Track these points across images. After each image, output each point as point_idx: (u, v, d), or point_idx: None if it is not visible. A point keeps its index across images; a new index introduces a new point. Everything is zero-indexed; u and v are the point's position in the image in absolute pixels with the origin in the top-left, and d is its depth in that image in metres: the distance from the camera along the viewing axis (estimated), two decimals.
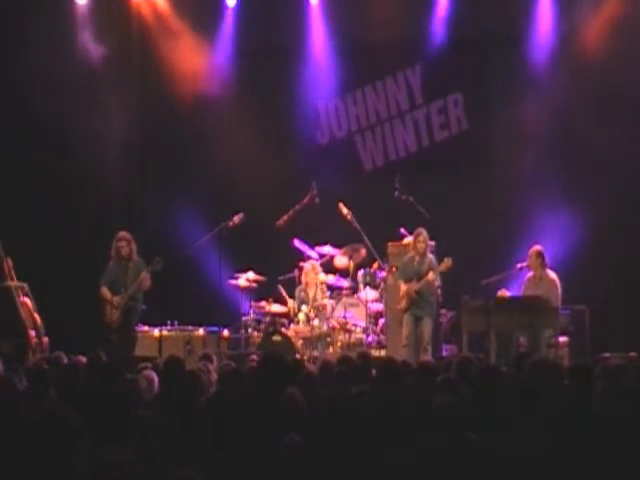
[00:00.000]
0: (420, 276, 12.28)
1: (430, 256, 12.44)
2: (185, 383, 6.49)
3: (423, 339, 12.17)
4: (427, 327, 12.23)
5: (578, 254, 13.25)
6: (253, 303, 13.27)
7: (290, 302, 13.17)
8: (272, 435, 4.90)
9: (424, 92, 15.08)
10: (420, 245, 12.34)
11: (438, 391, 5.69)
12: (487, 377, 5.95)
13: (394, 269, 12.68)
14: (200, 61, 15.20)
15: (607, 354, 11.33)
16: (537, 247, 12.33)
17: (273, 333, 12.67)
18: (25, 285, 12.43)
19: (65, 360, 8.38)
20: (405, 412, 5.19)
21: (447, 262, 12.25)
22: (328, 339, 12.92)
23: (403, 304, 12.37)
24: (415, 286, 12.28)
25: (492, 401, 5.71)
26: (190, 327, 13.22)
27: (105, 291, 11.97)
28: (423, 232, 12.39)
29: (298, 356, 11.85)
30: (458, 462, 4.18)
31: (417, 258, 12.39)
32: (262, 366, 6.29)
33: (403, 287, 12.40)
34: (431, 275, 12.20)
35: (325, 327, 12.90)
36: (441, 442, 4.27)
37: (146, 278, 11.86)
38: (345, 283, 13.43)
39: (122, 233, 12.10)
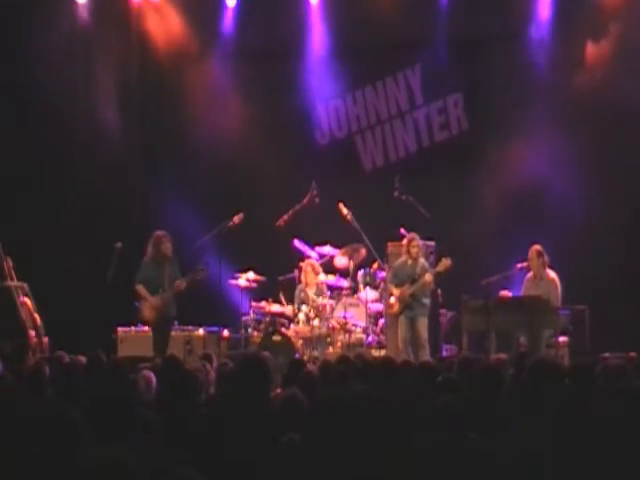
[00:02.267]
0: (414, 279, 12.28)
1: (422, 260, 12.44)
2: (184, 383, 6.49)
3: (419, 337, 12.17)
4: (422, 325, 12.22)
5: (578, 254, 13.24)
6: (253, 303, 13.26)
7: (289, 308, 13.17)
8: (272, 435, 4.90)
9: (424, 92, 15.06)
10: (413, 250, 12.35)
11: (438, 391, 5.69)
12: (487, 377, 5.94)
13: None
14: (200, 61, 15.19)
15: (607, 354, 11.33)
16: (537, 246, 12.32)
17: (273, 333, 12.67)
18: (25, 285, 12.43)
19: (65, 360, 8.38)
20: (405, 412, 5.18)
21: (446, 262, 12.24)
22: (328, 339, 12.91)
23: (396, 308, 12.37)
24: (409, 289, 12.27)
25: (492, 401, 5.70)
26: (190, 327, 13.21)
27: (141, 288, 12.06)
28: (416, 237, 12.41)
29: (298, 356, 11.85)
30: (458, 462, 4.18)
31: (410, 262, 12.39)
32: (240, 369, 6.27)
33: (395, 291, 12.39)
34: (428, 276, 12.20)
35: (325, 327, 12.89)
36: (441, 442, 4.27)
37: (181, 285, 12.00)
38: (345, 283, 13.42)
39: (162, 232, 12.20)
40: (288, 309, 13.18)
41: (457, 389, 5.92)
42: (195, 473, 3.62)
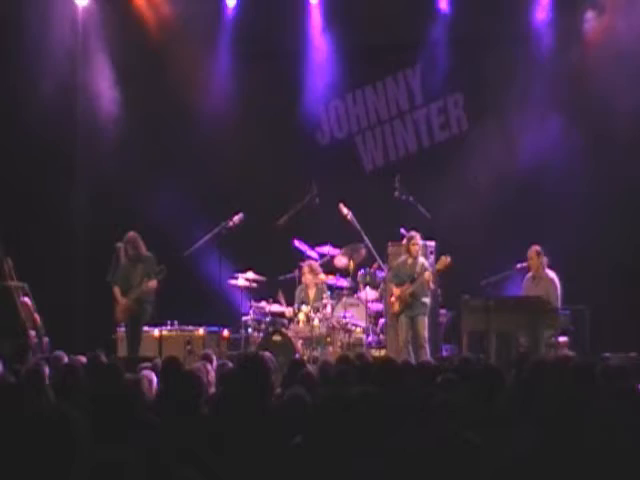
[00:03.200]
0: (413, 278, 12.28)
1: (422, 259, 12.44)
2: (184, 383, 6.48)
3: (419, 337, 12.17)
4: (422, 325, 12.22)
5: (578, 254, 13.24)
6: (253, 303, 13.26)
7: (289, 310, 13.16)
8: (272, 435, 4.90)
9: (424, 92, 15.08)
10: (414, 248, 12.35)
11: (438, 391, 5.68)
12: (487, 377, 5.94)
13: None
14: (200, 61, 15.18)
15: (607, 354, 11.33)
16: (536, 247, 12.34)
17: (273, 333, 12.66)
18: (25, 285, 12.43)
19: (65, 360, 8.38)
20: (405, 412, 5.18)
21: (445, 260, 12.25)
22: (328, 339, 12.90)
23: (396, 307, 12.37)
24: (409, 288, 12.27)
25: (492, 401, 5.70)
26: (190, 327, 13.21)
27: (115, 290, 12.11)
28: (416, 236, 12.41)
29: (298, 356, 11.85)
30: (458, 462, 4.18)
31: (410, 261, 12.39)
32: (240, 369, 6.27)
33: (395, 291, 12.39)
34: (427, 274, 12.19)
35: (325, 327, 12.89)
36: (441, 442, 4.26)
37: (150, 284, 11.97)
38: (345, 283, 13.41)
39: (129, 234, 12.19)
40: (288, 310, 13.18)
41: (456, 389, 5.91)
42: (195, 473, 3.62)
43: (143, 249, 12.10)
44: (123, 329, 12.72)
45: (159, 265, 12.06)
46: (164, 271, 12.00)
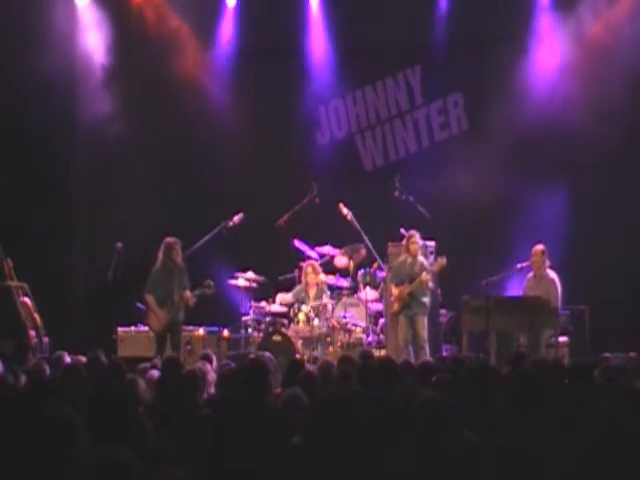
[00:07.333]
0: (412, 278, 12.28)
1: (421, 258, 12.44)
2: (184, 383, 6.49)
3: (419, 336, 12.17)
4: (421, 324, 12.21)
5: (578, 254, 13.25)
6: (253, 303, 13.26)
7: (288, 296, 13.19)
8: (273, 435, 4.90)
9: (424, 92, 15.08)
10: (413, 247, 12.34)
11: (437, 391, 5.69)
12: (486, 377, 5.94)
13: None
14: (200, 61, 15.18)
15: (607, 354, 11.34)
16: (540, 246, 12.34)
17: (273, 333, 12.67)
18: (25, 285, 12.43)
19: (66, 360, 8.38)
20: (404, 412, 5.18)
21: (441, 261, 12.26)
22: (328, 339, 12.91)
23: (395, 307, 12.37)
24: (407, 288, 12.27)
25: (491, 401, 5.70)
26: (190, 327, 13.21)
27: (150, 299, 12.01)
28: (416, 234, 12.41)
29: (298, 356, 11.85)
30: (456, 461, 4.18)
31: (409, 260, 12.39)
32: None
33: (395, 291, 12.40)
34: (425, 275, 12.19)
35: (325, 327, 12.90)
36: (438, 442, 4.27)
37: (190, 299, 11.96)
38: (345, 283, 13.42)
39: (173, 239, 12.10)
40: (288, 297, 13.17)
41: (453, 389, 5.92)
42: (189, 476, 3.62)
43: (179, 258, 12.05)
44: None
45: (207, 280, 12.06)
46: (212, 288, 12.02)
